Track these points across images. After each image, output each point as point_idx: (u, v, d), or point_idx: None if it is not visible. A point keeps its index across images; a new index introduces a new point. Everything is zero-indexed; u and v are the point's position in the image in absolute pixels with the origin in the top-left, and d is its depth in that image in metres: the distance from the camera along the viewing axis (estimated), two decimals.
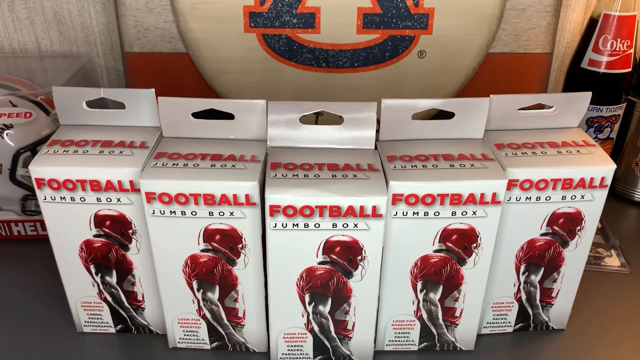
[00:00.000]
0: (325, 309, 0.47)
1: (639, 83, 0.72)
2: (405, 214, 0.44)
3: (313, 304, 0.47)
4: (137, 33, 0.71)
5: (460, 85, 0.74)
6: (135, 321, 0.53)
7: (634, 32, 0.66)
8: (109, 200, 0.46)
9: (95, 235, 0.48)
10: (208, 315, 0.50)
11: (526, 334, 0.54)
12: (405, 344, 0.52)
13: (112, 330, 0.53)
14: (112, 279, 0.50)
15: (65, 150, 0.46)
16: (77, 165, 0.45)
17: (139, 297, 0.51)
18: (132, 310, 0.52)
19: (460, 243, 0.46)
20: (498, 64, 0.74)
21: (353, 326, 0.48)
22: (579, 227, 0.48)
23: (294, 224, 0.43)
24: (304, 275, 0.45)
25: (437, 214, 0.44)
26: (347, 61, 0.71)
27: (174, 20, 0.70)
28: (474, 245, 0.46)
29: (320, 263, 0.45)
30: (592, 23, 0.68)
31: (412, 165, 0.45)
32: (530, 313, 0.53)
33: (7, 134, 0.60)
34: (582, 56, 0.69)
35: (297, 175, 0.43)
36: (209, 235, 0.45)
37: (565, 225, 0.48)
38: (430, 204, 0.44)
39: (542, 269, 0.50)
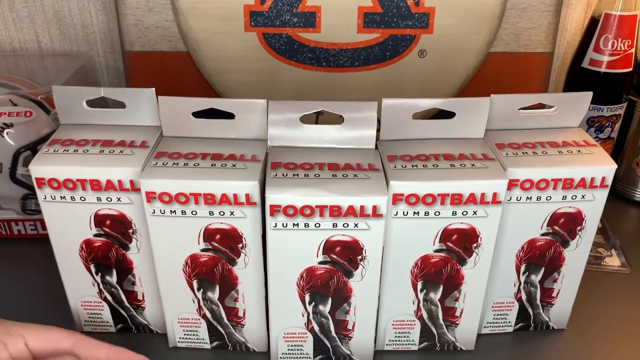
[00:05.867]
0: (326, 308, 0.47)
1: (639, 83, 0.72)
2: (405, 213, 0.44)
3: (313, 303, 0.47)
4: (138, 32, 0.71)
5: (461, 84, 0.74)
6: (135, 320, 0.53)
7: (634, 32, 0.66)
8: (109, 199, 0.46)
9: (95, 235, 0.48)
10: (208, 315, 0.50)
11: (526, 334, 0.54)
12: (406, 344, 0.52)
13: (112, 329, 0.53)
14: (112, 279, 0.50)
15: (65, 150, 0.46)
16: (77, 164, 0.45)
17: (139, 297, 0.51)
18: (132, 309, 0.52)
19: (461, 243, 0.46)
20: (499, 63, 0.74)
21: (353, 326, 0.48)
22: (579, 227, 0.48)
23: (294, 224, 0.43)
24: (304, 274, 0.45)
25: (437, 213, 0.44)
26: (347, 60, 0.71)
27: (175, 19, 0.70)
28: (475, 245, 0.46)
29: (320, 263, 0.45)
30: (593, 23, 0.68)
31: (412, 165, 0.45)
32: (531, 313, 0.53)
33: (7, 133, 0.60)
34: (583, 56, 0.69)
35: (298, 174, 0.43)
36: (209, 234, 0.45)
37: (565, 225, 0.48)
38: (430, 203, 0.44)
39: (543, 268, 0.50)
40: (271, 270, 0.45)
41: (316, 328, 0.48)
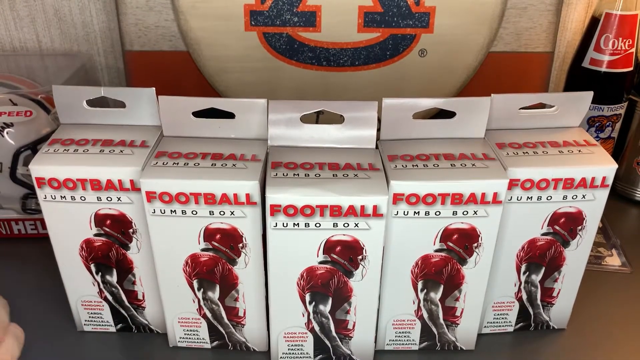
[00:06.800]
0: (326, 308, 0.47)
1: None
2: (406, 213, 0.44)
3: (313, 303, 0.47)
4: (138, 31, 0.71)
5: (461, 84, 0.73)
6: (135, 320, 0.53)
7: (635, 31, 0.66)
8: (109, 199, 0.45)
9: (95, 235, 0.47)
10: (208, 315, 0.50)
11: (527, 334, 0.54)
12: (406, 344, 0.52)
13: (113, 329, 0.53)
14: (113, 278, 0.50)
15: (65, 149, 0.46)
16: (77, 164, 0.45)
17: (140, 296, 0.51)
18: (132, 309, 0.52)
19: (461, 242, 0.46)
20: (499, 62, 0.74)
21: (353, 325, 0.48)
22: (580, 227, 0.48)
23: (294, 224, 0.43)
24: (304, 274, 0.45)
25: (438, 213, 0.44)
26: (348, 60, 0.71)
27: (175, 18, 0.70)
28: (475, 244, 0.46)
29: (320, 262, 0.45)
30: (594, 22, 0.68)
31: (413, 165, 0.45)
32: (531, 313, 0.53)
33: (7, 133, 0.60)
34: (584, 55, 0.69)
35: (298, 174, 0.43)
36: (209, 234, 0.45)
37: (566, 225, 0.48)
38: (431, 203, 0.44)
39: (543, 268, 0.50)
40: (271, 270, 0.45)
41: (316, 328, 0.48)
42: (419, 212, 0.44)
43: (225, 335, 0.51)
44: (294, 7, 0.68)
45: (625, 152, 0.75)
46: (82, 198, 0.45)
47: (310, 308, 0.47)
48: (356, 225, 0.43)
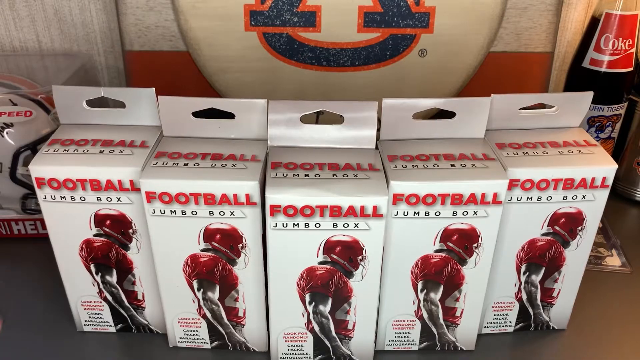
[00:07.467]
0: (326, 308, 0.47)
1: None
2: (406, 213, 0.44)
3: (313, 303, 0.47)
4: (138, 31, 0.71)
5: (461, 84, 0.73)
6: (135, 320, 0.53)
7: (635, 32, 0.66)
8: (109, 199, 0.45)
9: (95, 235, 0.47)
10: (208, 315, 0.50)
11: (527, 334, 0.54)
12: (406, 344, 0.52)
13: (113, 329, 0.53)
14: (113, 278, 0.50)
15: (65, 150, 0.46)
16: (77, 164, 0.45)
17: (139, 297, 0.51)
18: (132, 309, 0.52)
19: (461, 243, 0.46)
20: (499, 63, 0.73)
21: (353, 326, 0.48)
22: (580, 227, 0.48)
23: (294, 224, 0.43)
24: (304, 275, 0.45)
25: (438, 213, 0.44)
26: (347, 60, 0.71)
27: (175, 18, 0.70)
28: (475, 245, 0.46)
29: (320, 263, 0.45)
30: (594, 22, 0.68)
31: (413, 165, 0.45)
32: (531, 313, 0.53)
33: (7, 133, 0.60)
34: (584, 55, 0.69)
35: (298, 174, 0.43)
36: (209, 234, 0.45)
37: (566, 225, 0.48)
38: (431, 203, 0.44)
39: (543, 268, 0.50)
40: (271, 270, 0.45)
41: (316, 328, 0.48)
42: (418, 212, 0.44)
43: (225, 336, 0.51)
44: (294, 7, 0.68)
45: (625, 152, 0.75)
46: (82, 198, 0.45)
47: (310, 308, 0.47)
48: (356, 225, 0.43)
